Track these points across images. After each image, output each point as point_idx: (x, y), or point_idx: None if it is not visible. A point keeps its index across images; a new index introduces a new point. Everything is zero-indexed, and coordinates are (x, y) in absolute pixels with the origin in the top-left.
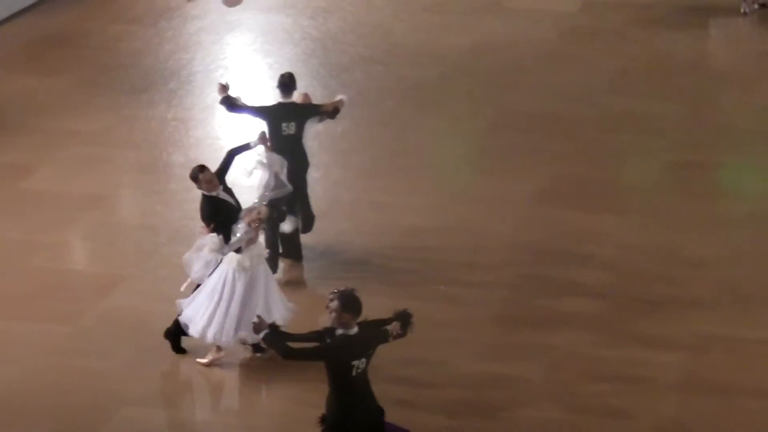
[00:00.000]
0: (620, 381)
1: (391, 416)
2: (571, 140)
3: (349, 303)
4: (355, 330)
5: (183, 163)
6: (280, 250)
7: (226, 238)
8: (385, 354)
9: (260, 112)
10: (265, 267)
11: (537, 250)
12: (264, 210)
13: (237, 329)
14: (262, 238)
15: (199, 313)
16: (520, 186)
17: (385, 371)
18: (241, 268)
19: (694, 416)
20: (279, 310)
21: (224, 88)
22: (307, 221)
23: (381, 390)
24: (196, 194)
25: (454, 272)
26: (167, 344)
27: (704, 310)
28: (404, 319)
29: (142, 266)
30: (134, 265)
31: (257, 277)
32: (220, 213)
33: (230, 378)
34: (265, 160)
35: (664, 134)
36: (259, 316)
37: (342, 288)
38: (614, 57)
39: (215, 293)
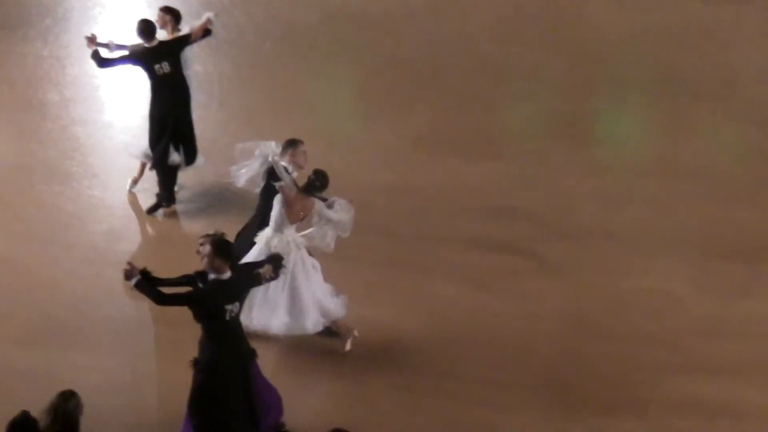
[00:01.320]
0: (502, 328)
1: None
2: (451, 87)
3: (221, 248)
4: (228, 274)
5: (58, 102)
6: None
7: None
8: None
9: (130, 59)
10: (299, 258)
11: (416, 197)
12: (312, 205)
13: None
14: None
15: None
16: (399, 132)
17: None
18: (267, 244)
19: (556, 350)
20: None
21: (91, 40)
22: (190, 154)
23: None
24: (72, 132)
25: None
26: (34, 288)
27: (578, 252)
28: (276, 262)
29: (15, 205)
30: (6, 204)
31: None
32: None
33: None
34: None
35: (544, 83)
36: (129, 263)
37: (213, 232)
38: (497, 5)
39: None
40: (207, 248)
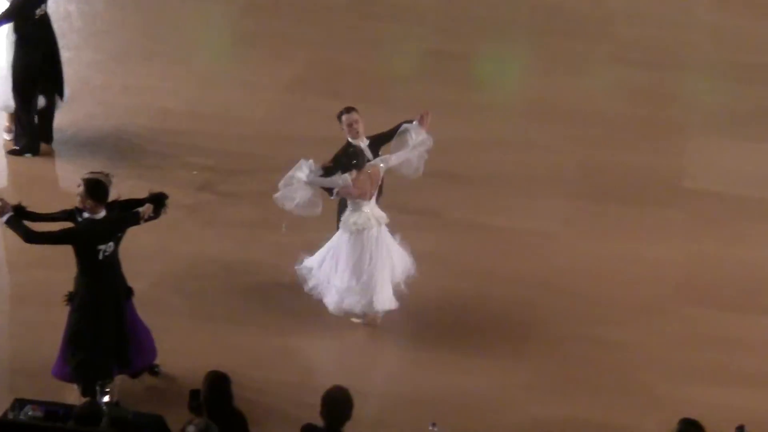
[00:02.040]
0: None
1: None
2: (326, 26)
3: (94, 190)
4: (102, 214)
5: None
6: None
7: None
8: None
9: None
10: (378, 234)
11: (288, 137)
12: (376, 171)
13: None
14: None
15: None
16: (273, 72)
17: None
18: (346, 227)
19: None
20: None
21: None
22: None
23: None
24: None
25: (204, 157)
26: None
27: (458, 195)
28: (158, 201)
29: None
30: None
31: (366, 243)
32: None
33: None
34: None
35: (422, 23)
36: (1, 199)
37: (90, 173)
38: None
39: (326, 255)
40: (81, 189)
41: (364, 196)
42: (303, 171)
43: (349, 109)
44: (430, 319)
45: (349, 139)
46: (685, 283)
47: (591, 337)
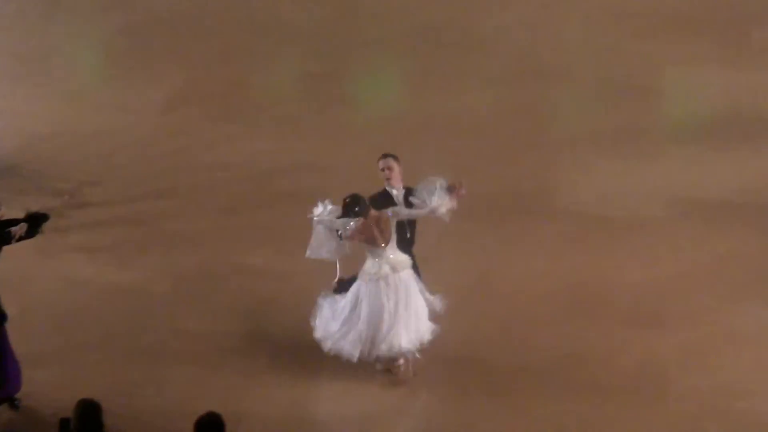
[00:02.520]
0: None
1: None
2: (205, 44)
3: None
4: None
5: None
6: None
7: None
8: None
9: None
10: (399, 283)
11: (167, 158)
12: (385, 218)
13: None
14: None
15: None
16: (148, 93)
17: None
18: (361, 275)
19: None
20: (412, 333)
21: None
22: None
23: None
24: None
25: (74, 181)
26: None
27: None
28: (35, 221)
29: None
30: None
31: (382, 290)
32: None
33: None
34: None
35: (298, 43)
36: None
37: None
38: None
39: (344, 301)
40: None
41: (373, 243)
42: (317, 209)
43: (385, 156)
44: None
45: (385, 186)
46: (546, 301)
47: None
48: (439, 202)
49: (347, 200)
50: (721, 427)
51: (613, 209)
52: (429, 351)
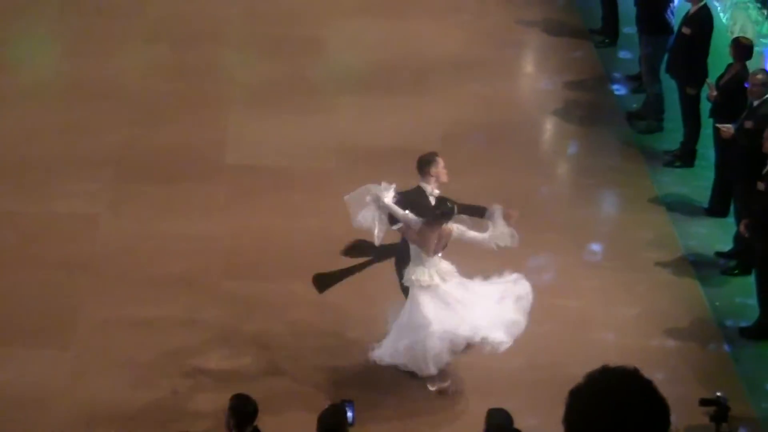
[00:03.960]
0: None
1: None
2: None
3: None
4: None
5: None
6: None
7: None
8: None
9: None
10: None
11: None
12: (448, 231)
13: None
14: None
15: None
16: None
17: None
18: (416, 281)
19: None
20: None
21: None
22: None
23: None
24: None
25: None
26: None
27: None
28: None
29: None
30: None
31: (430, 299)
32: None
33: None
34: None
35: None
36: None
37: None
38: None
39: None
40: None
41: (424, 247)
42: (388, 193)
43: (431, 158)
44: None
45: (423, 184)
46: (230, 257)
47: (133, 319)
48: (499, 230)
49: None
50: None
51: (283, 161)
52: None
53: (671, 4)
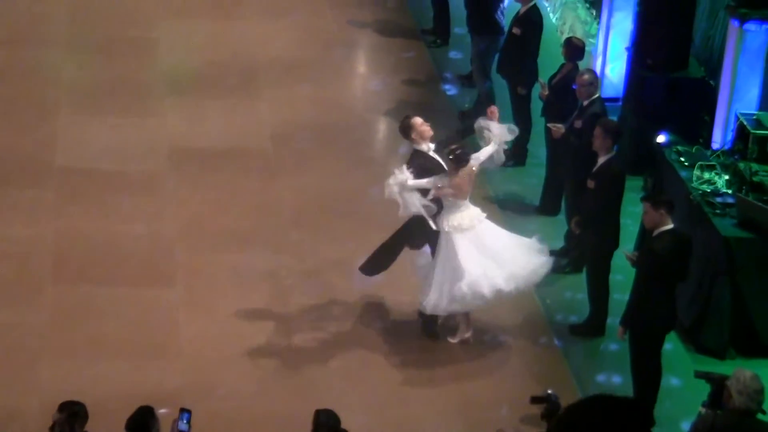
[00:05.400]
0: None
1: None
2: None
3: None
4: None
5: None
6: None
7: None
8: None
9: None
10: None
11: None
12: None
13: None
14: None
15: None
16: None
17: None
18: (458, 227)
19: None
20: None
21: None
22: None
23: None
24: None
25: None
26: None
27: None
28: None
29: None
30: None
31: (468, 242)
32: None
33: None
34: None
35: None
36: None
37: None
38: None
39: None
40: None
41: (461, 195)
42: (403, 175)
43: (408, 121)
44: None
45: (416, 147)
46: (57, 262)
47: None
48: (497, 132)
49: (459, 152)
50: (234, 372)
51: (113, 164)
52: None
53: (501, 5)
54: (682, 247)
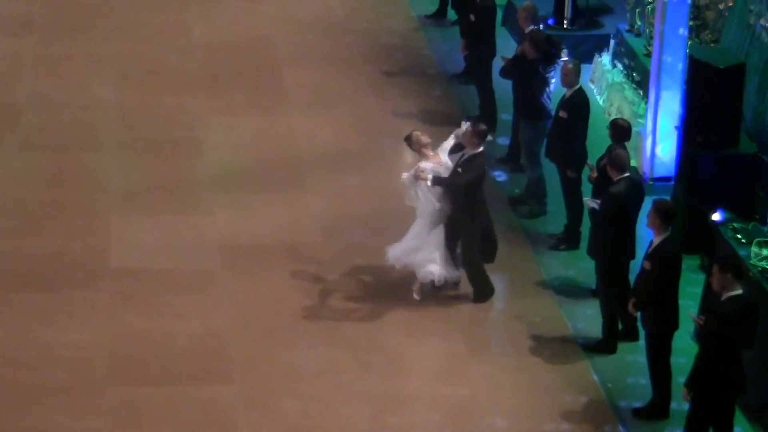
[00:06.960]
0: None
1: None
2: None
3: None
4: None
5: None
6: None
7: None
8: None
9: None
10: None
11: None
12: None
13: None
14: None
15: None
16: None
17: None
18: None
19: None
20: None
21: None
22: None
23: None
24: None
25: None
26: None
27: None
28: None
29: None
30: None
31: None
32: None
33: None
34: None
35: None
36: None
37: None
38: None
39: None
40: None
41: None
42: (411, 170)
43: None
44: None
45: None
46: (112, 364)
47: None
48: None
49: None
50: None
51: (165, 263)
52: None
53: (548, 89)
54: (748, 315)
